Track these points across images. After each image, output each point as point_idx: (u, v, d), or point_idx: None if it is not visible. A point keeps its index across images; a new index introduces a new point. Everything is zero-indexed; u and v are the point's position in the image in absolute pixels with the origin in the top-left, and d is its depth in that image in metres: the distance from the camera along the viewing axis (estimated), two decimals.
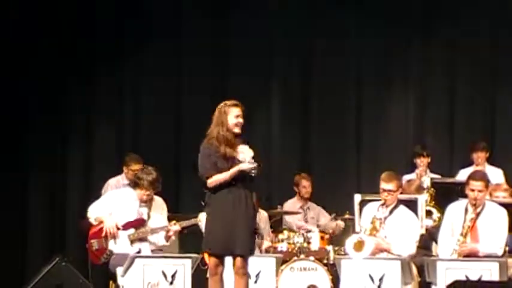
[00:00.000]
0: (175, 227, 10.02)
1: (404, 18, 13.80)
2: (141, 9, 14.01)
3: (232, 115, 8.43)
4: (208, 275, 8.74)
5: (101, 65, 13.80)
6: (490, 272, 8.78)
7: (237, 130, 8.41)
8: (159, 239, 10.09)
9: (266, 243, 11.32)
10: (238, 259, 8.43)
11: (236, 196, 8.51)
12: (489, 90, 13.77)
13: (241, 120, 8.46)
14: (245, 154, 8.40)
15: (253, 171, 8.35)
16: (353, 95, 13.97)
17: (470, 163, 12.39)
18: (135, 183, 10.20)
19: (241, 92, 12.18)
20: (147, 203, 10.15)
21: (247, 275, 8.66)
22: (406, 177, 11.66)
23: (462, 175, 11.55)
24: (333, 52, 13.88)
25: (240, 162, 8.39)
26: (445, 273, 8.87)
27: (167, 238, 10.10)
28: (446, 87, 13.72)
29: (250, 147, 8.56)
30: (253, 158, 8.41)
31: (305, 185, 12.40)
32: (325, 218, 12.30)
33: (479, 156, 12.22)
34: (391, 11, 13.73)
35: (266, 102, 13.96)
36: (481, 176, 9.71)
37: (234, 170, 8.38)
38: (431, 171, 12.28)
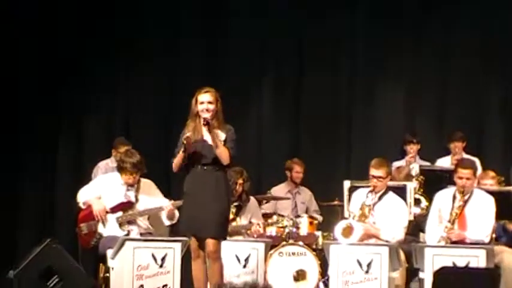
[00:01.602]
0: (168, 204, 10.13)
1: (399, 11, 13.75)
2: (137, 8, 14.07)
3: (199, 102, 8.73)
4: None
5: (96, 64, 13.82)
6: (477, 259, 8.90)
7: (205, 115, 8.64)
8: (162, 219, 10.21)
9: (256, 228, 11.24)
10: (208, 242, 8.63)
11: (206, 179, 8.76)
12: (480, 82, 13.71)
13: (209, 106, 8.67)
14: (206, 138, 8.68)
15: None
16: (344, 83, 14.01)
17: (448, 152, 12.58)
18: (119, 167, 10.34)
19: (234, 83, 12.85)
20: (134, 185, 10.27)
21: (220, 260, 8.82)
22: (395, 164, 11.88)
23: (439, 164, 12.09)
24: (326, 44, 13.90)
25: (205, 145, 8.64)
26: (432, 259, 9.02)
27: (170, 216, 10.18)
28: (439, 77, 13.76)
29: (234, 131, 8.84)
30: (224, 141, 8.65)
31: (298, 170, 12.56)
32: (313, 207, 12.47)
33: (456, 145, 12.35)
34: (385, 7, 13.78)
35: (258, 92, 14.06)
36: (470, 164, 9.91)
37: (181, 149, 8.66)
38: (421, 158, 12.48)
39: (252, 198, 11.60)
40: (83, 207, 10.25)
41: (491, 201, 9.64)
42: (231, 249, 10.00)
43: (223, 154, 8.64)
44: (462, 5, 13.59)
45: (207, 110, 8.65)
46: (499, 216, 9.76)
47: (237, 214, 11.22)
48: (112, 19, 14.10)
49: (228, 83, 12.80)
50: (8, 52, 13.49)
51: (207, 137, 8.71)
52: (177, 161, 8.76)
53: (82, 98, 13.76)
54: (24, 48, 13.70)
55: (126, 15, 14.12)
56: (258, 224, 11.24)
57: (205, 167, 8.71)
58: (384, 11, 13.83)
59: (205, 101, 8.67)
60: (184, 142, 8.64)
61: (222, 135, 8.70)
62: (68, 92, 13.70)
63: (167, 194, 10.62)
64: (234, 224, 10.95)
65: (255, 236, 11.07)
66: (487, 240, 9.49)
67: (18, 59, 13.72)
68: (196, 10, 14.21)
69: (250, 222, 11.26)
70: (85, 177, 11.46)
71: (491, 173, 10.94)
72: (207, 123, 8.62)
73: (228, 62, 13.94)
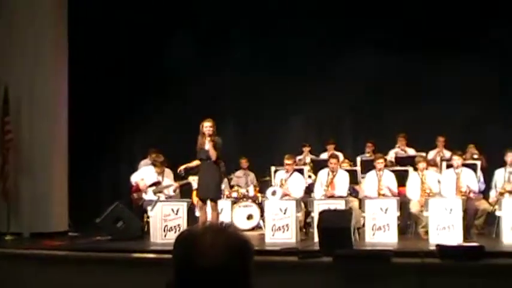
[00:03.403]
0: (176, 184, 10.37)
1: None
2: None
3: (203, 127, 8.86)
4: (196, 211, 9.34)
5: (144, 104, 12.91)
6: (341, 205, 9.28)
7: (207, 133, 8.80)
8: (170, 191, 10.38)
9: (227, 193, 11.27)
10: (211, 201, 8.98)
11: (209, 166, 8.93)
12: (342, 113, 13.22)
13: (210, 128, 8.78)
14: (206, 146, 8.84)
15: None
16: (261, 115, 13.30)
17: (325, 150, 12.10)
18: (153, 164, 10.55)
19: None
20: (161, 173, 10.45)
21: (217, 210, 9.12)
22: (298, 157, 11.84)
23: (322, 156, 11.81)
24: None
25: (205, 150, 8.82)
26: (318, 206, 9.27)
27: (175, 190, 10.44)
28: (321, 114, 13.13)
29: (215, 141, 8.85)
30: (217, 146, 8.86)
31: (244, 162, 12.21)
32: (255, 181, 11.98)
33: (330, 147, 11.92)
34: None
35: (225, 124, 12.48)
36: (336, 156, 10.41)
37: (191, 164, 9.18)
38: (311, 154, 12.26)
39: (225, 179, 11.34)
40: (134, 184, 10.47)
41: (346, 175, 10.06)
42: None
43: (214, 155, 8.84)
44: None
45: (209, 131, 8.82)
46: (350, 182, 10.12)
47: None
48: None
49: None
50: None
51: (207, 146, 8.85)
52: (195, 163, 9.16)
53: (135, 130, 13.09)
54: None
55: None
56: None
57: (206, 161, 8.91)
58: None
59: (208, 125, 8.84)
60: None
61: (208, 145, 8.81)
62: (128, 129, 13.06)
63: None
64: None
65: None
66: (345, 195, 9.88)
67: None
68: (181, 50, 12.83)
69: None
70: (134, 169, 11.13)
71: (346, 161, 11.30)
72: (210, 136, 8.78)
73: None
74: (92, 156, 12.45)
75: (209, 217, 8.98)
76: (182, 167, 9.35)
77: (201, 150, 8.94)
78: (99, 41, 12.29)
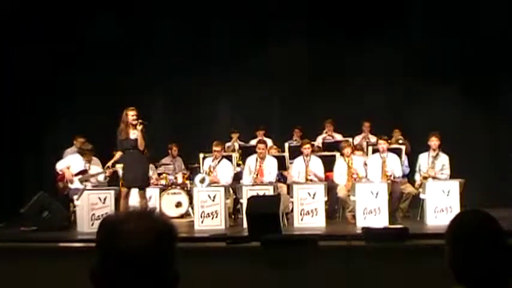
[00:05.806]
0: (105, 171, 10.11)
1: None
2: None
3: (129, 116, 8.84)
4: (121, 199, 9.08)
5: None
6: (269, 191, 9.41)
7: (133, 123, 8.80)
8: (101, 178, 10.25)
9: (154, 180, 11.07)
10: (139, 189, 9.02)
11: (137, 155, 8.91)
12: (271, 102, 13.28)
13: (134, 117, 8.79)
14: (134, 134, 8.82)
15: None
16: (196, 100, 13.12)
17: (255, 136, 12.00)
18: (80, 152, 10.41)
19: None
20: (88, 161, 10.36)
21: (145, 198, 9.21)
22: (227, 144, 11.86)
23: (251, 143, 11.66)
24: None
25: (131, 139, 8.80)
26: (247, 192, 9.36)
27: (105, 178, 10.25)
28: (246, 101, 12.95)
29: (143, 130, 8.80)
30: (143, 135, 8.79)
31: (175, 149, 12.21)
32: (183, 168, 11.97)
33: (259, 133, 11.87)
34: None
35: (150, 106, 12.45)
36: (263, 142, 10.49)
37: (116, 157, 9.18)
38: (240, 140, 12.27)
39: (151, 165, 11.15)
40: (60, 173, 10.32)
41: (275, 161, 10.16)
42: None
43: (142, 144, 8.84)
44: None
45: (135, 120, 8.80)
46: (279, 168, 10.23)
47: None
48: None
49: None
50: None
51: (132, 135, 8.81)
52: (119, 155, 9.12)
53: (60, 117, 12.59)
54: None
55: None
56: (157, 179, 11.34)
57: (131, 151, 8.90)
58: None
59: (133, 114, 8.81)
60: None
61: (136, 133, 8.76)
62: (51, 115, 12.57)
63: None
64: None
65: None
66: (274, 181, 9.96)
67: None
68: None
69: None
70: (59, 157, 10.85)
71: (275, 146, 11.37)
72: (139, 124, 8.75)
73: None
74: (14, 143, 12.26)
75: (137, 206, 8.97)
76: (110, 163, 9.36)
77: (126, 140, 8.90)
78: (24, 24, 12.13)
